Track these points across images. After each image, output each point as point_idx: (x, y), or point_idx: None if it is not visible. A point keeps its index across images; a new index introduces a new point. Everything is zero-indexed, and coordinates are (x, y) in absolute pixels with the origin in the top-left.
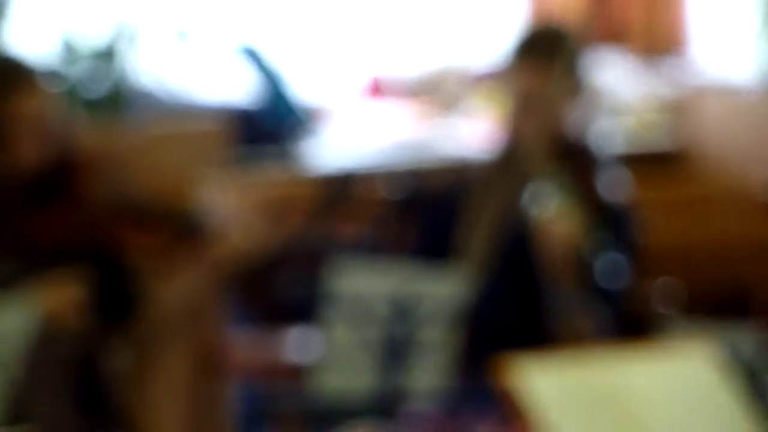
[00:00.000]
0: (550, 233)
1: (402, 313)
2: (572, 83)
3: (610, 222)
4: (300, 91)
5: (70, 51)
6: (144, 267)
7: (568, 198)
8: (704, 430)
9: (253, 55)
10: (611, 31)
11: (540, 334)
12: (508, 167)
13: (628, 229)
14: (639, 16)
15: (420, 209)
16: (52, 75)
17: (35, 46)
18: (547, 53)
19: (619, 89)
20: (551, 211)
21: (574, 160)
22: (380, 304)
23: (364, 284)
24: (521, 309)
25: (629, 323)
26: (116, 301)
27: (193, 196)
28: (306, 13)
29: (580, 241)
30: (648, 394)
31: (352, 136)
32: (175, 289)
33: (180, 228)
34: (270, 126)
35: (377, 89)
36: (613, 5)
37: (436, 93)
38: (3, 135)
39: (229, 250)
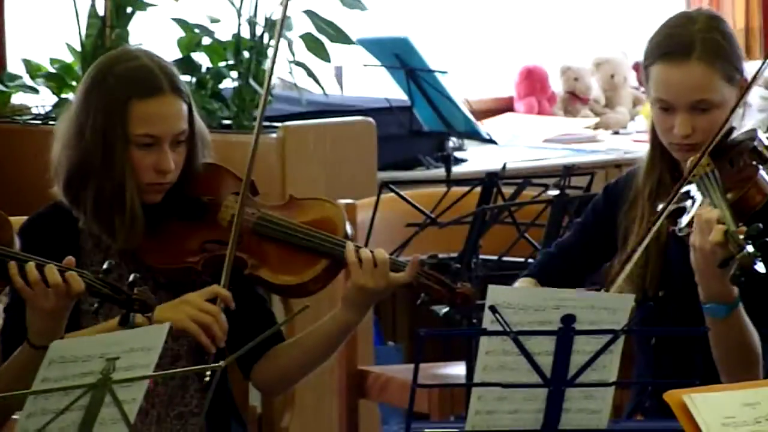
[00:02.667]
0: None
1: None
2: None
3: None
4: (452, 86)
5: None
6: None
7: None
8: None
9: (401, 49)
10: None
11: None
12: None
13: None
14: None
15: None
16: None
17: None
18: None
19: None
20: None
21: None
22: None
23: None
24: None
25: None
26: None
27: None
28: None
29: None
30: None
31: (509, 134)
32: (320, 325)
33: (336, 257)
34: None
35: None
36: None
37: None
38: (150, 145)
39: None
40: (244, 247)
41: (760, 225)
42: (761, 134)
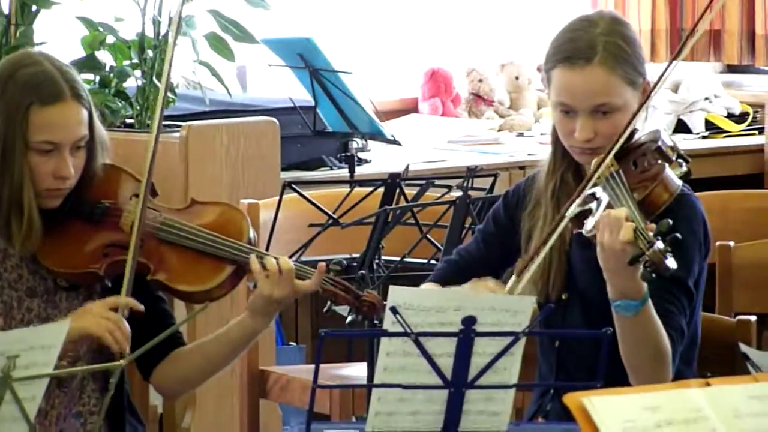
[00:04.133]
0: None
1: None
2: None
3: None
4: (356, 86)
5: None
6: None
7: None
8: None
9: (305, 49)
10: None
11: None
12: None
13: None
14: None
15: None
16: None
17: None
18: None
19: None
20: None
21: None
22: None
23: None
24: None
25: None
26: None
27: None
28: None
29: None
30: (739, 425)
31: (413, 135)
32: (225, 332)
33: (239, 264)
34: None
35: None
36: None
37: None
38: (49, 151)
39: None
40: (147, 252)
41: (670, 221)
42: (664, 135)
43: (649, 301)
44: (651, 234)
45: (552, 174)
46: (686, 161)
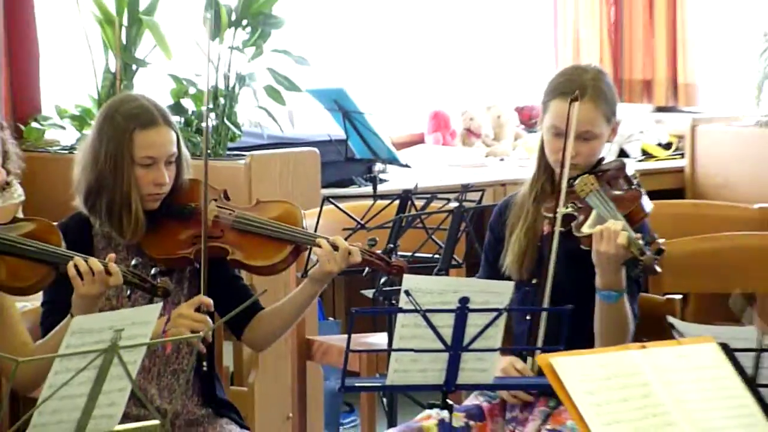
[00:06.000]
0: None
1: (462, 314)
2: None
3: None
4: (377, 124)
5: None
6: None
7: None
8: (716, 408)
9: (338, 96)
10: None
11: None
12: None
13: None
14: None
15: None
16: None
17: (160, 85)
18: (581, 93)
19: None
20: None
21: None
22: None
23: (432, 286)
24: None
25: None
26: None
27: (300, 217)
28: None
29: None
30: (668, 377)
31: (420, 161)
32: (293, 297)
33: (298, 245)
34: (358, 156)
35: (439, 123)
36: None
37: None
38: (150, 164)
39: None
40: (226, 239)
41: (655, 234)
42: (629, 164)
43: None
44: (641, 243)
45: (535, 183)
46: (640, 185)
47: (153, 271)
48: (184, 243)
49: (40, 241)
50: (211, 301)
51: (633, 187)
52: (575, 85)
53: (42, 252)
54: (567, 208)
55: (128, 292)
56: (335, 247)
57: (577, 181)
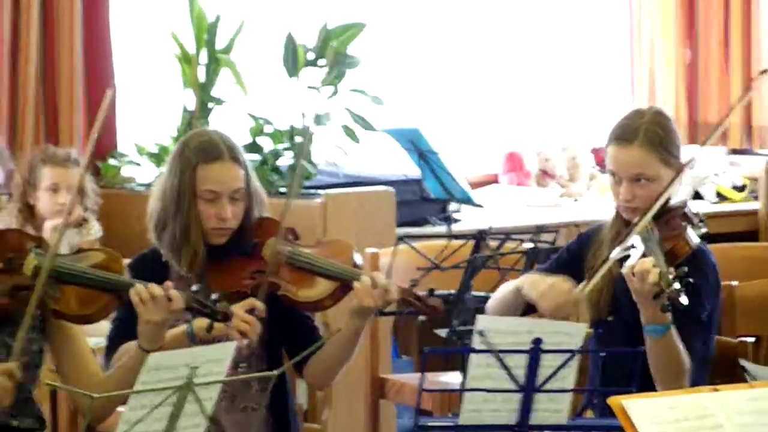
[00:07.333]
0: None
1: (535, 354)
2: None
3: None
4: (452, 164)
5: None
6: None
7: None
8: None
9: (413, 136)
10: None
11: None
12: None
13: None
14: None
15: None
16: (248, 147)
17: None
18: (633, 137)
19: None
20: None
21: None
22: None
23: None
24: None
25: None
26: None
27: (361, 254)
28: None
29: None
30: (740, 420)
31: (494, 201)
32: (339, 334)
33: (341, 280)
34: (432, 195)
35: (514, 164)
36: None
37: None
38: (212, 199)
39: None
40: (280, 275)
41: (685, 269)
42: (690, 203)
43: (673, 329)
44: (671, 277)
45: (612, 227)
46: (704, 225)
47: (213, 296)
48: (244, 278)
49: (103, 269)
50: (263, 306)
51: (683, 224)
52: (629, 130)
53: (105, 281)
54: (626, 250)
55: (189, 317)
56: (375, 285)
57: (639, 224)
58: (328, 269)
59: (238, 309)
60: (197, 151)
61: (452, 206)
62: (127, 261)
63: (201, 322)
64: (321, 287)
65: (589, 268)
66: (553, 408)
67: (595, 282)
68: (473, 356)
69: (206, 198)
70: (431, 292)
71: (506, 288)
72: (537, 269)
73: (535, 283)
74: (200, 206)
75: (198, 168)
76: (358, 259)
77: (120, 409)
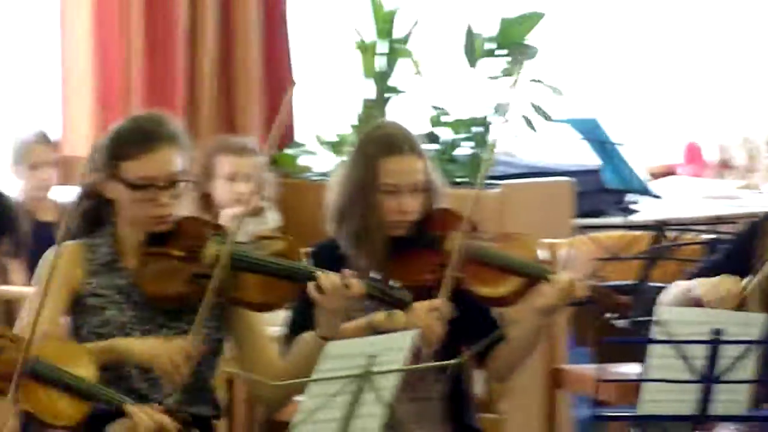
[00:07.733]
0: None
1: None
2: None
3: None
4: (630, 154)
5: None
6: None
7: None
8: None
9: (592, 126)
10: None
11: None
12: None
13: None
14: None
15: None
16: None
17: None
18: None
19: None
20: None
21: None
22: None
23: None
24: None
25: None
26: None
27: (541, 247)
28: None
29: None
30: None
31: (671, 192)
32: (525, 325)
33: (529, 277)
34: (610, 186)
35: (693, 155)
36: None
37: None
38: (393, 192)
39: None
40: (464, 269)
41: None
42: None
43: None
44: None
45: None
46: None
47: (391, 282)
48: (426, 270)
49: (284, 258)
50: (448, 308)
51: None
52: None
53: (286, 269)
54: None
55: (367, 305)
56: (569, 283)
57: None
58: (516, 266)
59: (423, 308)
60: (378, 144)
61: (630, 197)
62: (303, 250)
63: (381, 315)
64: (508, 283)
65: (759, 257)
66: (732, 399)
67: (762, 278)
68: (652, 346)
69: (387, 191)
70: (615, 288)
71: (676, 288)
72: (707, 261)
73: (702, 280)
74: (381, 199)
75: (379, 161)
76: (541, 254)
77: (297, 398)
